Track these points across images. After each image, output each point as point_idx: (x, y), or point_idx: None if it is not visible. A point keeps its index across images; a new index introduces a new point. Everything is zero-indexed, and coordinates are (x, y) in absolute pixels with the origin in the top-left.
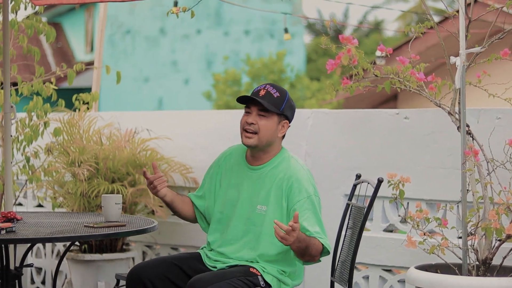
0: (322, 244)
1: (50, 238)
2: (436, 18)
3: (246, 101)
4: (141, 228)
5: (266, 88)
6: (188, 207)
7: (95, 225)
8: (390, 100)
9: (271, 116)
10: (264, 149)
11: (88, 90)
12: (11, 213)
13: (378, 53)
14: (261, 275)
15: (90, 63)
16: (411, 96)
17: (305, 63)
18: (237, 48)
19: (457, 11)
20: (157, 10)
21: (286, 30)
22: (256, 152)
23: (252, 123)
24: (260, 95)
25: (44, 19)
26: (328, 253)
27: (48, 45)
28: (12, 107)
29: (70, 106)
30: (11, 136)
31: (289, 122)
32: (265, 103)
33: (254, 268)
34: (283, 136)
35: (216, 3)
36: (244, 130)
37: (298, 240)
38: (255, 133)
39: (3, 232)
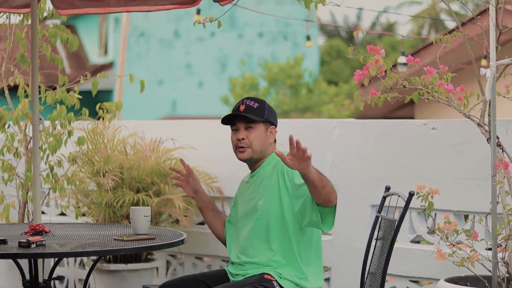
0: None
1: (82, 252)
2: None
3: (230, 120)
4: (171, 242)
5: (245, 103)
6: (219, 226)
7: (125, 238)
8: (407, 105)
9: (257, 126)
10: (260, 158)
11: (105, 92)
12: (40, 225)
13: (401, 59)
14: (276, 281)
15: (105, 66)
16: (429, 102)
17: (319, 66)
18: (251, 51)
19: (478, 15)
20: (171, 13)
21: (308, 38)
22: (255, 164)
23: (243, 139)
24: (241, 110)
25: (57, 22)
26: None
27: (62, 48)
28: (40, 119)
29: (90, 108)
30: (39, 148)
31: (276, 127)
32: (248, 114)
33: (269, 274)
34: (275, 140)
35: (229, 5)
36: (237, 148)
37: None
38: (248, 147)
39: (34, 246)
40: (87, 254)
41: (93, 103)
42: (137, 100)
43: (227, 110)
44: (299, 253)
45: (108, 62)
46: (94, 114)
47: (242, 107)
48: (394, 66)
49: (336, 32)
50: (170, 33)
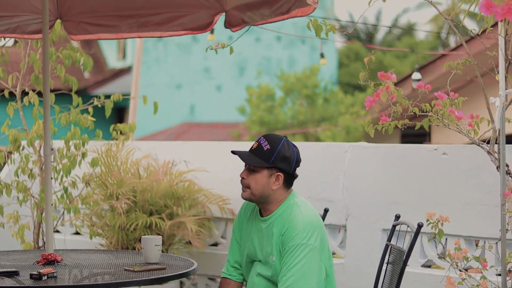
0: None
1: (92, 285)
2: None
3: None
4: (182, 272)
5: (259, 141)
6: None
7: (135, 269)
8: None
9: (260, 170)
10: (265, 201)
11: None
12: (52, 255)
13: (415, 75)
14: None
15: (123, 71)
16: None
17: (337, 68)
18: (269, 55)
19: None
20: None
21: (322, 55)
22: (260, 204)
23: (243, 178)
24: (253, 148)
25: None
26: None
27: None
28: (52, 149)
29: (98, 111)
30: (51, 178)
31: (287, 172)
32: (248, 159)
33: None
34: (290, 185)
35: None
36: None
37: None
38: (248, 187)
39: (45, 278)
40: (98, 287)
41: (112, 109)
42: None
43: (244, 119)
44: None
45: (127, 66)
46: (99, 112)
47: (255, 145)
48: (408, 77)
49: (355, 34)
50: (188, 37)
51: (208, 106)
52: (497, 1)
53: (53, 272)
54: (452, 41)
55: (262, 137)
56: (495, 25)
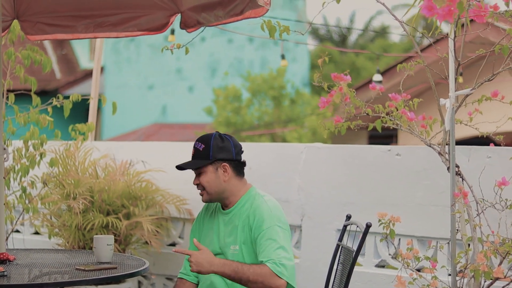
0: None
1: (41, 284)
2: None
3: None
4: (132, 272)
5: (195, 145)
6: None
7: (86, 268)
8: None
9: (205, 169)
10: (224, 197)
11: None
12: (4, 254)
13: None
14: None
15: None
16: None
17: (309, 70)
18: (241, 56)
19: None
20: None
21: (283, 57)
22: (220, 201)
23: (197, 184)
24: (192, 154)
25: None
26: (290, 279)
27: (53, 52)
28: (5, 149)
29: (77, 114)
30: (4, 178)
31: (230, 159)
32: (191, 165)
33: None
34: (241, 173)
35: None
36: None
37: (210, 266)
38: (204, 190)
39: None
40: (47, 285)
41: (82, 108)
42: (127, 106)
43: (211, 120)
44: None
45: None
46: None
47: (193, 152)
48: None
49: (328, 36)
50: (160, 38)
51: (179, 107)
52: (438, 2)
53: (3, 271)
54: (427, 43)
55: (196, 141)
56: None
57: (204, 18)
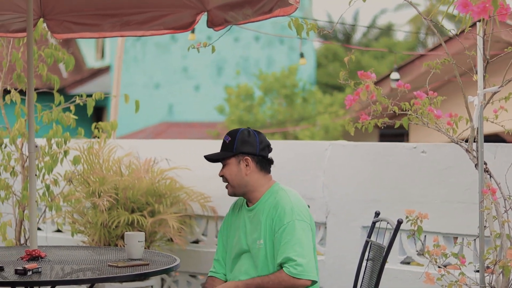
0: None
1: (77, 280)
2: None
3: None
4: (165, 268)
5: (223, 139)
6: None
7: (119, 265)
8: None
9: (229, 161)
10: (247, 191)
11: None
12: (36, 251)
13: (393, 75)
14: None
15: (101, 70)
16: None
17: (315, 69)
18: (247, 54)
19: (463, 30)
20: None
21: (302, 55)
22: (244, 196)
23: (221, 176)
24: (221, 146)
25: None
26: (309, 276)
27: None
28: (36, 146)
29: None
30: (35, 175)
31: (253, 154)
32: (215, 156)
33: None
34: (266, 170)
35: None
36: None
37: None
38: (228, 183)
39: (30, 273)
40: (82, 282)
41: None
42: (133, 105)
43: (222, 119)
44: None
45: (105, 66)
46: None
47: (222, 144)
48: (387, 77)
49: (333, 35)
50: (167, 37)
51: (186, 106)
52: (473, 0)
53: (37, 268)
54: (430, 42)
55: (226, 134)
56: (473, 25)
57: (232, 16)
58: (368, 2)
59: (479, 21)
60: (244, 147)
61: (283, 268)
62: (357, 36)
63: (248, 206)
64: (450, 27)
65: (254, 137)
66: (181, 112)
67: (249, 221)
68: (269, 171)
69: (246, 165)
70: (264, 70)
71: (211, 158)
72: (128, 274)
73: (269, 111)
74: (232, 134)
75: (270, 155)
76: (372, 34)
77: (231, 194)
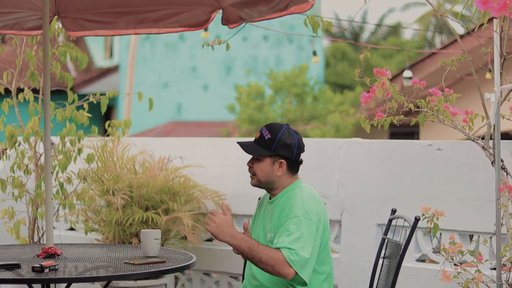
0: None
1: (94, 277)
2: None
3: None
4: (182, 265)
5: (261, 131)
6: None
7: (135, 262)
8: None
9: (263, 159)
10: (271, 187)
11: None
12: (52, 248)
13: (406, 73)
14: None
15: (109, 69)
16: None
17: (324, 68)
18: (256, 54)
19: (482, 25)
20: None
21: (314, 53)
22: (267, 190)
23: (250, 166)
24: (256, 138)
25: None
26: (301, 271)
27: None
28: (52, 144)
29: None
30: (51, 172)
31: (289, 158)
32: (251, 150)
33: None
34: (295, 170)
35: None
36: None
37: (228, 235)
38: (254, 174)
39: (47, 270)
40: (99, 279)
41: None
42: (142, 104)
43: (232, 118)
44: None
45: (114, 65)
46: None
47: (257, 135)
48: (399, 74)
49: (341, 34)
50: (175, 36)
51: (195, 105)
52: None
53: (54, 265)
54: (438, 42)
55: (264, 127)
56: (489, 21)
57: (247, 14)
58: (377, 1)
59: (493, 18)
60: (283, 150)
61: (282, 250)
62: (365, 35)
63: (270, 199)
64: (458, 26)
65: (294, 140)
66: (190, 112)
67: (267, 213)
68: (297, 172)
69: (279, 167)
70: (274, 69)
71: (245, 149)
72: (145, 271)
73: (280, 110)
74: (273, 131)
75: None
76: (380, 33)
77: (254, 185)
